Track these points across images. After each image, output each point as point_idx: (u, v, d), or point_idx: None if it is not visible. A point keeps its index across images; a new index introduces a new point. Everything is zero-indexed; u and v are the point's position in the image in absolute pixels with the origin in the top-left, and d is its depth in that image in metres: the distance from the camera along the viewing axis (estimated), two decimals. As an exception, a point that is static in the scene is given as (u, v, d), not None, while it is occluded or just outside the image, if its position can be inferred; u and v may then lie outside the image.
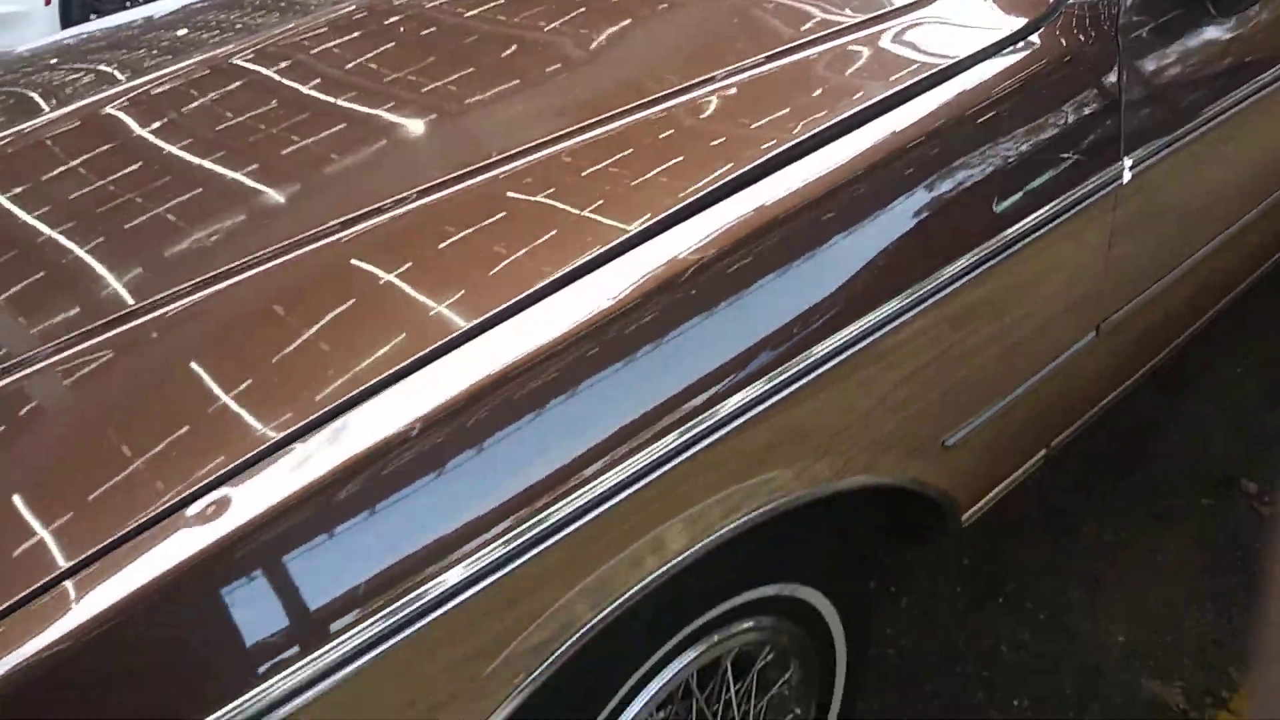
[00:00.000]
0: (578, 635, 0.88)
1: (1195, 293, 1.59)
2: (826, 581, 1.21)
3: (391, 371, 0.81)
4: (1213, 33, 1.39)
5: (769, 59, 1.21)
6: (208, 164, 1.20)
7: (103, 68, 1.63)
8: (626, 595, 0.90)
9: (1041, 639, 1.73)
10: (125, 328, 0.93)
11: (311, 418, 0.78)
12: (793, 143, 1.02)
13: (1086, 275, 1.28)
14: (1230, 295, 1.78)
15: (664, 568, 0.92)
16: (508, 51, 1.38)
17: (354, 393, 0.79)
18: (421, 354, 0.82)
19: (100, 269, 1.04)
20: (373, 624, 0.75)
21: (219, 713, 0.69)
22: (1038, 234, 1.17)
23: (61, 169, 1.26)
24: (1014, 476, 1.44)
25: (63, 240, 1.10)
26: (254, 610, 0.71)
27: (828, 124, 1.05)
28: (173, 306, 0.95)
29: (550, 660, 0.88)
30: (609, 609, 0.89)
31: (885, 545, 1.50)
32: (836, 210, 1.00)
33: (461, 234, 0.97)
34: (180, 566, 0.69)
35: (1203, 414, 2.16)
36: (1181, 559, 1.85)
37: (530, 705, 0.89)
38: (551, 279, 0.87)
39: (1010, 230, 1.14)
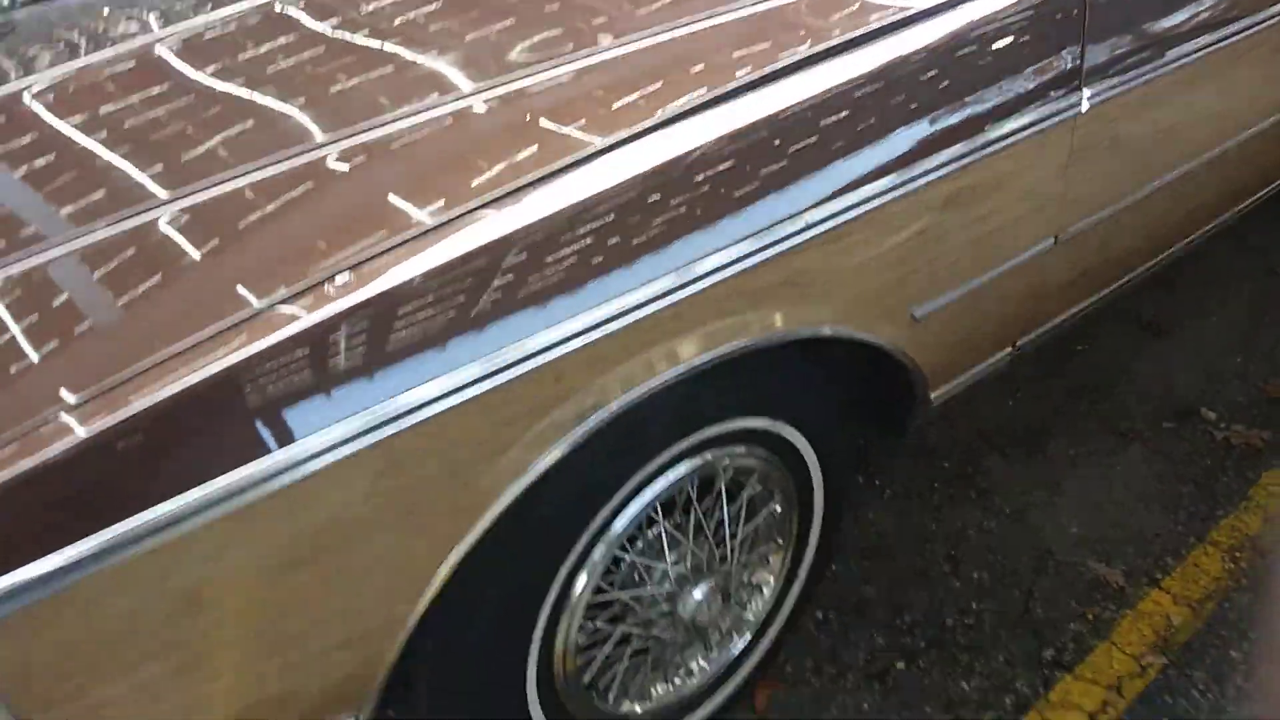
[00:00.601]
0: (605, 412, 1.14)
1: (1155, 223, 1.81)
2: (809, 425, 1.45)
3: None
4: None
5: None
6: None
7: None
8: (649, 385, 1.16)
9: (1004, 528, 1.97)
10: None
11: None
12: (816, 50, 1.28)
13: (1046, 188, 1.51)
14: (1197, 234, 1.99)
15: (677, 370, 1.18)
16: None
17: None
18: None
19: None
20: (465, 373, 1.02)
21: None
22: (1003, 145, 1.40)
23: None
24: (981, 366, 1.68)
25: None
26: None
27: (844, 38, 1.31)
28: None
29: (582, 428, 1.13)
30: (634, 392, 1.15)
31: (871, 427, 1.74)
32: (844, 105, 1.25)
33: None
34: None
35: (1174, 355, 2.38)
36: (1137, 471, 2.08)
37: (562, 468, 1.15)
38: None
39: (980, 138, 1.38)
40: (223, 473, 0.94)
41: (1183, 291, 2.57)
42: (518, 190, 1.12)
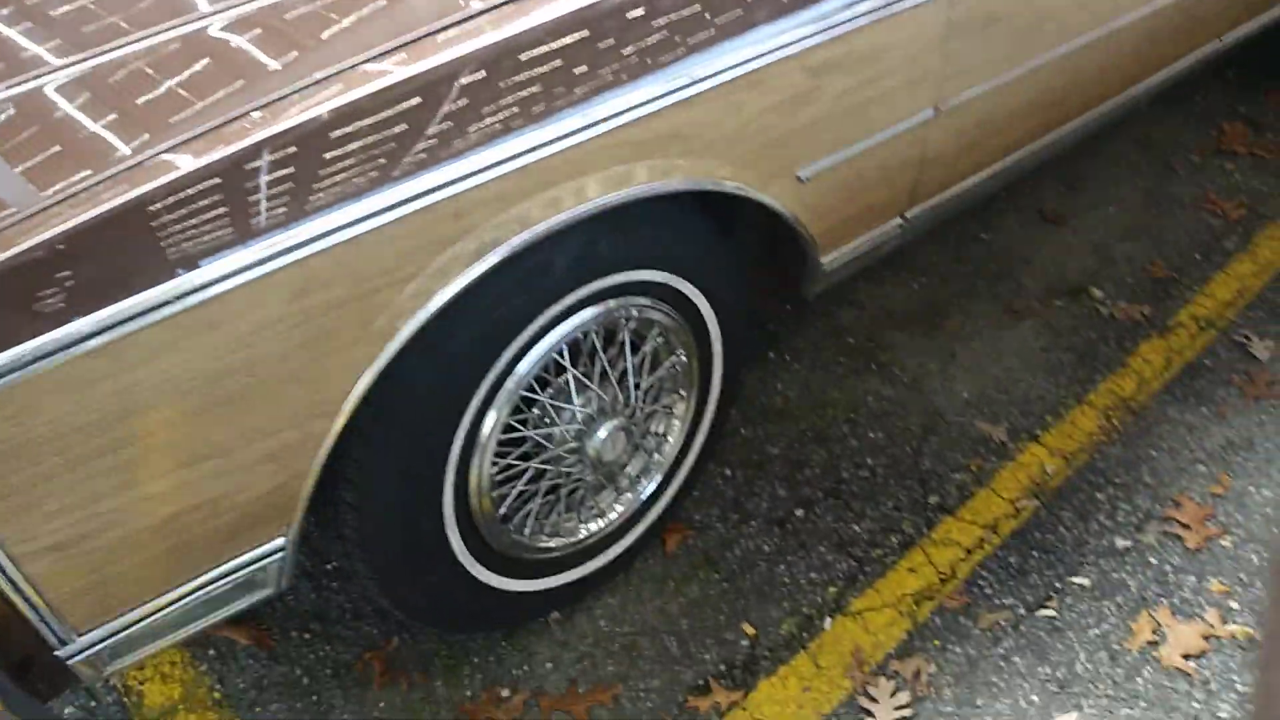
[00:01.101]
0: (504, 249, 1.26)
1: (1039, 100, 1.94)
2: (704, 281, 1.58)
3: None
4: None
5: None
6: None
7: None
8: (545, 226, 1.28)
9: (901, 394, 2.13)
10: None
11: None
12: None
13: (923, 60, 1.62)
14: (1085, 116, 2.12)
15: (571, 213, 1.30)
16: None
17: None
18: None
19: None
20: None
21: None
22: (877, 16, 1.51)
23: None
24: (871, 234, 1.81)
25: None
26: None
27: None
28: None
29: (481, 263, 1.25)
30: (531, 232, 1.27)
31: (768, 289, 1.88)
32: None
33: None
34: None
35: (1071, 242, 2.53)
36: (1027, 343, 2.24)
37: (465, 302, 1.27)
38: None
39: (853, 9, 1.48)
40: (146, 289, 1.05)
41: (1082, 185, 2.72)
42: (421, 39, 1.21)
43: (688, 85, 1.34)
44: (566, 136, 1.26)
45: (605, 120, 1.29)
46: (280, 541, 1.32)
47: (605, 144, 1.30)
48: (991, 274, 2.43)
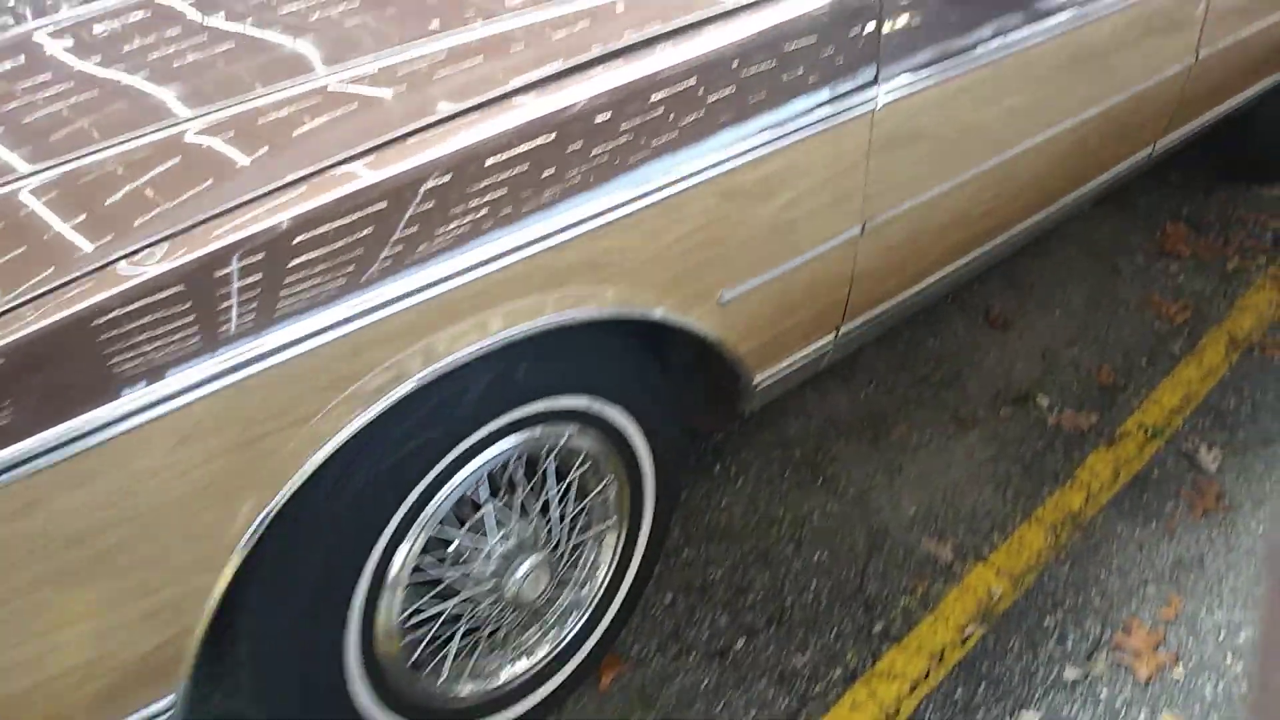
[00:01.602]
0: (407, 385, 1.20)
1: (971, 215, 1.93)
2: (632, 406, 1.52)
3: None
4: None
5: None
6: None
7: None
8: (451, 361, 1.22)
9: (846, 510, 2.07)
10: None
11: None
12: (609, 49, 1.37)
13: (847, 178, 1.61)
14: (1018, 228, 2.12)
15: (480, 346, 1.25)
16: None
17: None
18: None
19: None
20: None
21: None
22: (796, 138, 1.50)
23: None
24: (805, 352, 1.78)
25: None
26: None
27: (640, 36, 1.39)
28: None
29: (383, 401, 1.19)
30: (436, 367, 1.21)
31: (701, 410, 1.83)
32: (637, 98, 1.33)
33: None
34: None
35: (1017, 347, 2.51)
36: (973, 455, 2.19)
37: (368, 440, 1.21)
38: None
39: (771, 132, 1.46)
40: (21, 439, 0.98)
41: (1028, 286, 2.71)
42: (322, 170, 1.17)
43: (600, 214, 1.31)
44: (471, 269, 1.22)
45: (513, 251, 1.25)
46: (170, 699, 1.23)
47: (513, 275, 1.26)
48: (938, 380, 2.40)
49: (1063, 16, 1.90)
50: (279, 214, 1.11)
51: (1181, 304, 2.65)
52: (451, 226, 1.20)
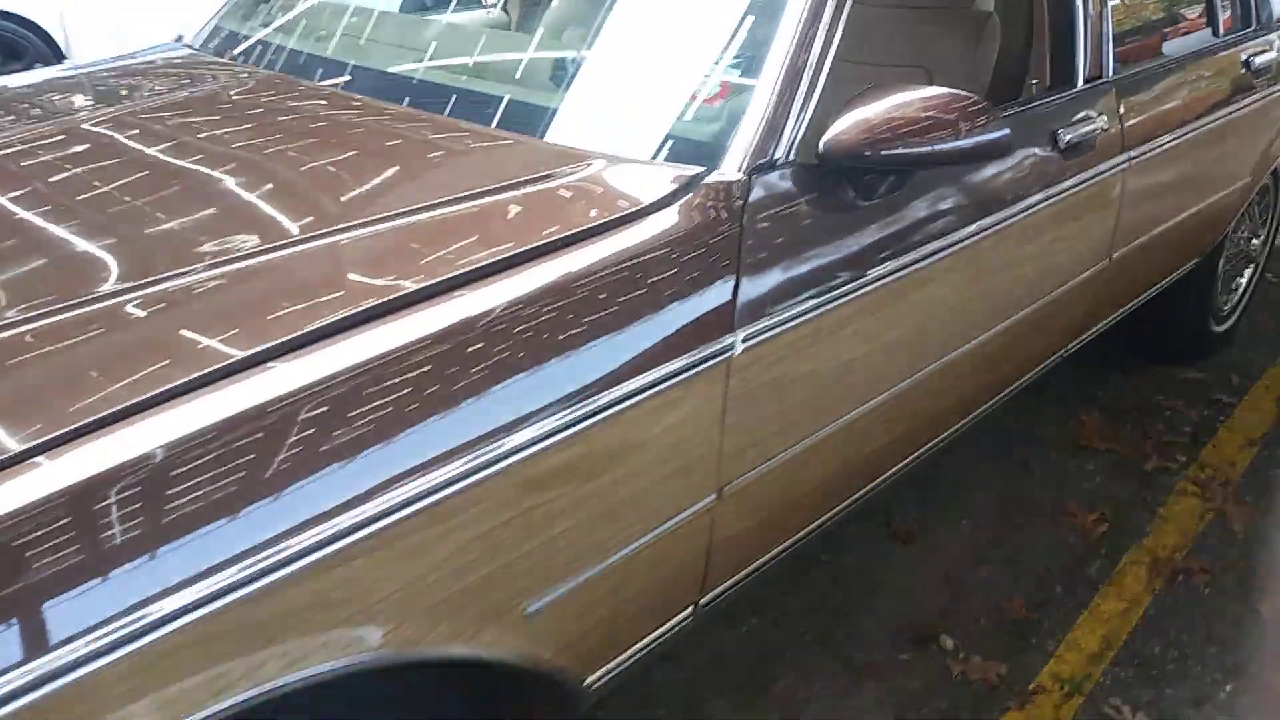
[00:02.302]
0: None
1: (850, 460, 1.64)
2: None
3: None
4: (846, 217, 1.48)
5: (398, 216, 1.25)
6: None
7: None
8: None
9: (717, 797, 1.72)
10: None
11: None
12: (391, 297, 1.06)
13: (700, 440, 1.31)
14: (899, 466, 1.83)
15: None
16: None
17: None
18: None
19: None
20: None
21: None
22: (639, 399, 1.20)
23: None
24: (656, 635, 1.45)
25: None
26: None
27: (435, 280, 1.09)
28: None
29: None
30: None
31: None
32: (397, 373, 1.01)
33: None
34: None
35: (920, 567, 2.22)
36: (869, 714, 1.87)
37: None
38: None
39: (602, 395, 1.16)
40: None
41: (933, 492, 2.44)
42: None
43: (328, 541, 0.96)
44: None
45: (180, 615, 0.89)
46: None
47: (183, 643, 0.89)
48: (832, 609, 2.09)
49: (963, 231, 1.66)
50: None
51: (1097, 514, 2.40)
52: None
